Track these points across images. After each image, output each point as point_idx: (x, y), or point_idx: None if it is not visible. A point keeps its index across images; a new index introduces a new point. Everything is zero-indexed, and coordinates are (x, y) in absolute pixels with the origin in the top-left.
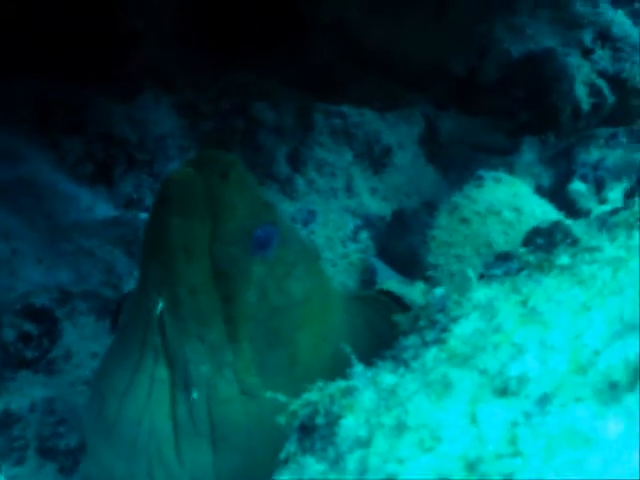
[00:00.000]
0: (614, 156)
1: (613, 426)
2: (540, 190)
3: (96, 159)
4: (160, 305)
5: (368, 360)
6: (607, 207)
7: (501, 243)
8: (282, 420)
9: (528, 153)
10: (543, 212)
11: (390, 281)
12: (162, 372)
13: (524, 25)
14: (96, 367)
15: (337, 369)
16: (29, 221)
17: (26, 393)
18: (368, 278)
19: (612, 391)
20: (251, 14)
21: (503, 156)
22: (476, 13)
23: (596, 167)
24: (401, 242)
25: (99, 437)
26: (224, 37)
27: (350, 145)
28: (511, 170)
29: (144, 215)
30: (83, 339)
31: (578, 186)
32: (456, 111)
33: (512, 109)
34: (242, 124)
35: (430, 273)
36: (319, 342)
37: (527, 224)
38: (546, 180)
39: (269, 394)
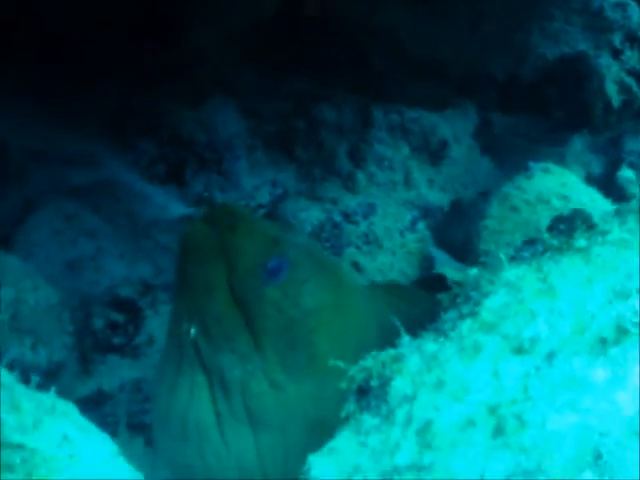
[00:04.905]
0: None
1: (601, 372)
2: (591, 178)
3: (168, 160)
4: (193, 331)
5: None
6: None
7: None
8: (343, 385)
9: (578, 143)
10: (590, 199)
11: (445, 267)
12: (200, 377)
13: (559, 31)
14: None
15: (362, 350)
16: (110, 220)
17: (115, 374)
18: (427, 266)
19: (601, 345)
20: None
21: (554, 147)
22: (513, 22)
23: None
24: (459, 231)
25: (158, 429)
26: (287, 50)
27: (407, 140)
28: (563, 160)
29: None
30: (164, 326)
31: (627, 173)
32: (500, 113)
33: (548, 108)
34: (304, 124)
35: (482, 260)
36: (338, 336)
37: None
38: (596, 168)
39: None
